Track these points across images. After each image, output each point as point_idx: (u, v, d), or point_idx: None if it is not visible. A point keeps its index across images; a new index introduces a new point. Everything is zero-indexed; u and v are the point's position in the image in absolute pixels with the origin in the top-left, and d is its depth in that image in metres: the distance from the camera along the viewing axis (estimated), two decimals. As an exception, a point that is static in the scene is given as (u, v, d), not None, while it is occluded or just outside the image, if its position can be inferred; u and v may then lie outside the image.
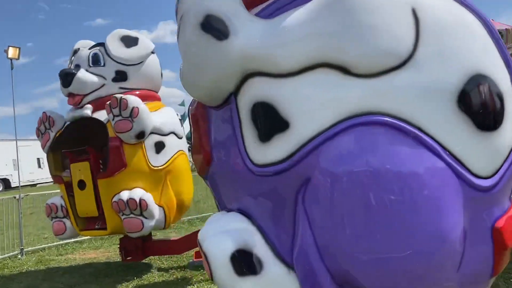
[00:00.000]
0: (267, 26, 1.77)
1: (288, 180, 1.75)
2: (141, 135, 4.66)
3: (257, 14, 1.85)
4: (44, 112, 5.14)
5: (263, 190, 1.84)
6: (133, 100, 4.52)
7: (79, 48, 5.24)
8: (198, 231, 5.25)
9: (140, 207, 4.61)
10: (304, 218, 1.74)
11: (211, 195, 2.42)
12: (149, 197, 4.72)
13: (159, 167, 4.91)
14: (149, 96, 5.24)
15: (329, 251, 1.68)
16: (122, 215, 4.68)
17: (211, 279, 1.87)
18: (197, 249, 5.82)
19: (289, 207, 1.80)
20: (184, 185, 5.34)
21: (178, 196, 5.17)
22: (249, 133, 1.82)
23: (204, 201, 10.14)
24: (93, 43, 5.33)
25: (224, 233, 1.88)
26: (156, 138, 4.88)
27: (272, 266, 1.85)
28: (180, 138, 5.24)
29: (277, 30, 1.74)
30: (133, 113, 4.48)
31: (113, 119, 4.56)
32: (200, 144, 2.10)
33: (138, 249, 5.48)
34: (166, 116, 5.12)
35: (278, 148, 1.74)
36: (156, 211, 4.80)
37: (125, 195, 4.64)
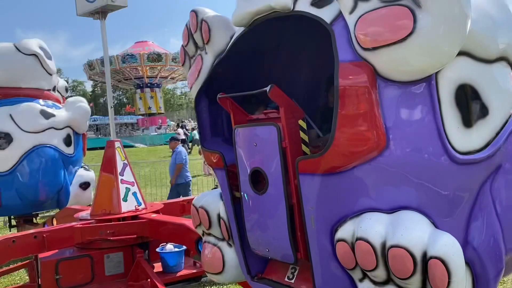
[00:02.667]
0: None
1: (482, 168, 1.72)
2: None
3: None
4: None
5: (455, 181, 1.68)
6: None
7: None
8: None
9: None
10: (490, 207, 1.75)
11: None
12: None
13: None
14: None
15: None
16: None
17: None
18: None
19: (470, 198, 1.73)
20: None
21: None
22: (451, 116, 1.66)
23: None
24: None
25: (446, 236, 1.59)
26: None
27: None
28: None
29: (492, 13, 1.76)
30: None
31: None
32: (365, 125, 1.64)
33: None
34: None
35: (479, 135, 1.72)
36: None
37: None
